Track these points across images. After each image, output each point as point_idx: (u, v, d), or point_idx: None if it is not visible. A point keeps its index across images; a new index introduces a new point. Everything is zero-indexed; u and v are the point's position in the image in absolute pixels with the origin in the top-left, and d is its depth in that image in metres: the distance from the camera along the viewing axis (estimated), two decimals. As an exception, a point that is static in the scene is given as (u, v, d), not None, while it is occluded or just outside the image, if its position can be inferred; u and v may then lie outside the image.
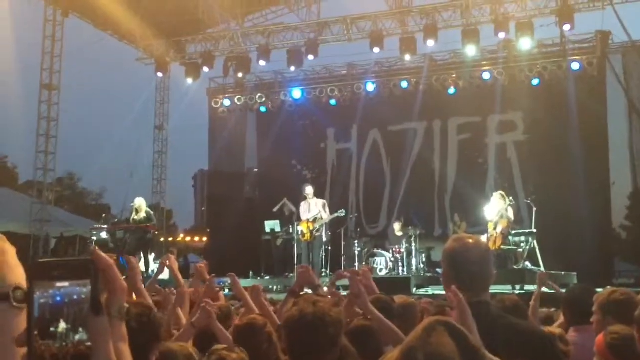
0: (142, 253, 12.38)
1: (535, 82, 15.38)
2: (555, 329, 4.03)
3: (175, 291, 4.40)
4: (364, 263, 13.21)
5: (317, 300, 2.57)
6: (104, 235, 13.38)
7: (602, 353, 3.00)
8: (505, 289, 10.29)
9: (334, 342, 2.51)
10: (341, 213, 12.64)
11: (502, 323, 2.33)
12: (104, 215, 14.82)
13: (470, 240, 2.50)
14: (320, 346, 2.46)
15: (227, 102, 18.03)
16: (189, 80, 17.58)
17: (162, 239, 20.06)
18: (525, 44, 14.79)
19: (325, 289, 4.25)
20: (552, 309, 5.56)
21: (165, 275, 9.52)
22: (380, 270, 13.05)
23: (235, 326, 3.34)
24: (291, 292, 3.90)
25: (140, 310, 2.47)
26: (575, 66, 15.00)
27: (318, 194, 13.36)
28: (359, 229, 15.17)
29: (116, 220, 14.57)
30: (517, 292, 10.10)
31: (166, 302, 4.38)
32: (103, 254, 1.22)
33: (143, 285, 4.17)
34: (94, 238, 13.37)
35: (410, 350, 1.34)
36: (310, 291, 3.81)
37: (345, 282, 3.91)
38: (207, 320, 3.50)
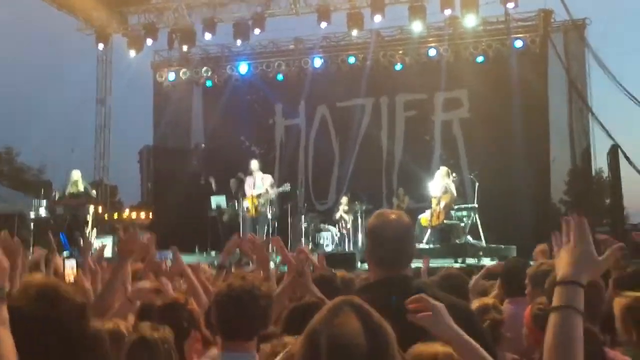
0: (79, 229, 12.08)
1: (479, 59, 15.62)
2: (489, 299, 4.13)
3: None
4: (310, 238, 13.27)
5: (245, 275, 2.56)
6: (42, 212, 12.98)
7: (528, 323, 3.08)
8: (448, 262, 10.51)
9: (264, 315, 2.50)
10: (286, 187, 12.61)
11: None
12: (43, 190, 14.33)
13: (392, 216, 2.50)
14: (249, 318, 2.45)
15: (172, 76, 17.65)
16: (132, 53, 17.10)
17: (106, 216, 19.62)
18: (470, 21, 14.95)
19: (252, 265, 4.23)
20: (489, 282, 5.70)
21: (108, 253, 9.34)
22: (327, 245, 13.14)
23: (157, 305, 3.29)
24: (219, 266, 3.90)
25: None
26: (519, 44, 15.28)
27: (267, 170, 13.30)
28: (306, 205, 15.18)
29: (56, 196, 14.16)
30: (458, 265, 10.35)
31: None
32: None
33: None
34: (32, 215, 12.95)
35: (314, 333, 1.32)
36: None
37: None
38: (143, 293, 3.43)
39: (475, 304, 3.75)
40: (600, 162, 16.69)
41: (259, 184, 12.07)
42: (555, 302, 1.69)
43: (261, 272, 3.91)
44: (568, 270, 1.69)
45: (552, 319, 1.67)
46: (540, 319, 2.95)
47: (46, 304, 1.86)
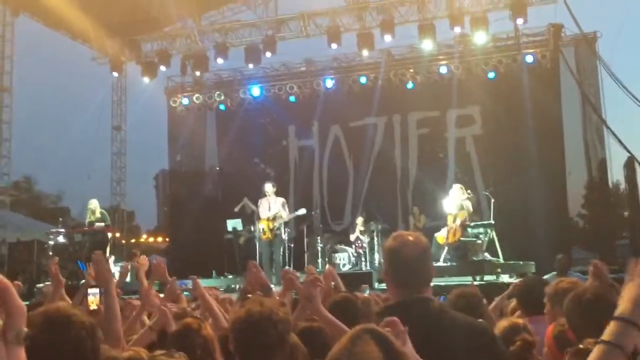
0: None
1: (491, 75, 15.61)
2: (518, 319, 4.07)
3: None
4: (326, 259, 13.25)
5: (263, 301, 2.57)
6: (61, 239, 13.09)
7: (549, 343, 3.04)
8: (465, 280, 10.43)
9: (282, 340, 2.50)
10: (301, 211, 12.61)
11: (442, 319, 2.34)
12: (61, 218, 14.47)
13: (410, 238, 2.51)
14: (268, 345, 2.46)
15: (185, 101, 17.82)
16: (146, 80, 17.33)
17: (123, 241, 19.77)
18: (480, 38, 14.99)
19: (277, 289, 4.23)
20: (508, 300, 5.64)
21: (128, 277, 9.36)
22: (344, 265, 13.10)
23: (171, 331, 3.31)
24: (242, 292, 3.88)
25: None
26: (529, 59, 15.25)
27: (281, 192, 13.31)
28: (321, 225, 15.18)
29: (74, 223, 14.29)
30: (476, 282, 10.26)
31: (126, 311, 4.29)
32: None
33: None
34: (51, 242, 13.06)
35: None
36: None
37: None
38: (164, 322, 3.46)
39: (503, 323, 3.68)
40: (616, 174, 16.57)
41: (274, 207, 12.09)
42: (605, 335, 1.63)
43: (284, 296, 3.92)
44: (629, 307, 1.63)
45: (595, 351, 1.62)
46: (562, 340, 2.92)
47: (54, 330, 1.87)
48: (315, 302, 3.07)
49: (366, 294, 6.50)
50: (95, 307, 3.65)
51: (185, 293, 5.17)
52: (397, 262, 2.49)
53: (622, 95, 14.37)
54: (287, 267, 10.96)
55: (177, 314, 3.93)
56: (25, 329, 1.34)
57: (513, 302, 4.73)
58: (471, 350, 2.13)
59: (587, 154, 15.75)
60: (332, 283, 5.00)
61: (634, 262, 1.72)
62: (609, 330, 1.63)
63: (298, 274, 4.43)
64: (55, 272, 4.25)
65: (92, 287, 3.92)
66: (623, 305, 1.65)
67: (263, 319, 2.47)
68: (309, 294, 3.03)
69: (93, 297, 3.78)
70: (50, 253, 12.75)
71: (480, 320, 3.25)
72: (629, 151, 14.06)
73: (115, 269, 12.39)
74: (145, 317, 4.17)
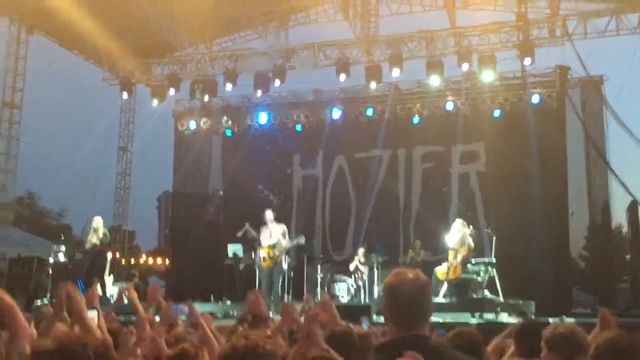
0: (98, 276, 12.15)
1: (496, 113, 15.72)
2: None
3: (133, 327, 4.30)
4: (325, 289, 13.20)
5: (249, 335, 2.58)
6: (61, 257, 13.09)
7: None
8: (465, 317, 10.39)
9: None
10: (301, 240, 12.61)
11: (438, 356, 2.34)
12: (62, 236, 14.48)
13: (410, 275, 2.53)
14: None
15: (192, 125, 17.94)
16: (155, 102, 17.49)
17: (123, 261, 19.73)
18: (487, 76, 15.13)
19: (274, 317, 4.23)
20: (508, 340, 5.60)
21: (125, 300, 9.34)
22: (342, 297, 13.05)
23: (167, 356, 3.31)
24: (241, 319, 3.88)
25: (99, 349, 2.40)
26: (536, 99, 15.37)
27: (284, 220, 13.32)
28: (322, 255, 15.14)
29: (76, 241, 14.29)
30: (475, 320, 10.21)
31: (123, 341, 4.29)
32: (4, 295, 1.18)
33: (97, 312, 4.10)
34: (51, 260, 13.06)
35: None
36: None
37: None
38: (156, 350, 3.46)
39: None
40: (619, 217, 16.59)
41: (275, 234, 12.09)
42: None
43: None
44: None
45: None
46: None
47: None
48: (317, 340, 3.08)
49: (365, 326, 6.47)
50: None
51: (183, 318, 5.16)
52: (396, 298, 2.50)
53: (627, 139, 14.47)
54: (286, 301, 10.93)
55: (176, 337, 3.94)
56: (28, 350, 1.36)
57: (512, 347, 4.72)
58: None
59: (590, 195, 15.76)
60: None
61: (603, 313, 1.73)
62: None
63: (297, 306, 4.44)
64: (63, 300, 4.14)
65: (90, 309, 3.92)
66: None
67: (249, 353, 2.47)
68: (310, 331, 3.04)
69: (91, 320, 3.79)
70: (50, 271, 12.74)
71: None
72: (632, 195, 14.10)
73: (114, 290, 12.38)
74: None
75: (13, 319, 1.30)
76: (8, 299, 1.36)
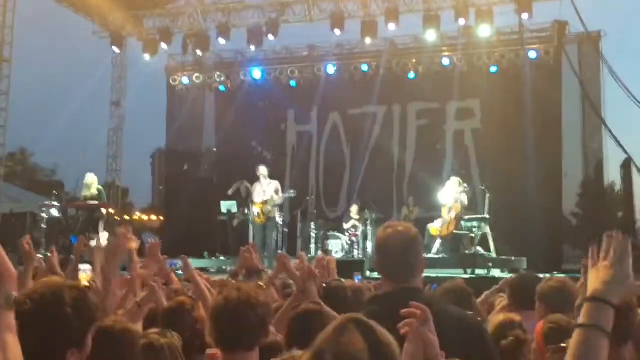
0: (92, 231, 12.15)
1: (493, 69, 15.58)
2: (515, 315, 4.07)
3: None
4: (319, 245, 13.27)
5: (240, 286, 2.57)
6: (55, 212, 13.03)
7: (538, 340, 3.05)
8: (457, 272, 10.48)
9: (263, 323, 2.51)
10: (291, 193, 12.62)
11: (432, 310, 2.35)
12: (55, 192, 14.40)
13: (399, 228, 2.51)
14: (248, 329, 2.46)
15: (185, 80, 17.72)
16: (147, 56, 17.20)
17: (117, 218, 19.72)
18: (484, 31, 14.93)
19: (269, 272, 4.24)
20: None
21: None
22: (336, 252, 13.11)
23: (163, 308, 3.31)
24: (233, 274, 3.89)
25: (75, 295, 2.41)
26: (533, 55, 15.21)
27: (278, 176, 13.29)
28: (316, 211, 15.18)
29: (68, 197, 14.24)
30: (467, 276, 10.30)
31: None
32: None
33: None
34: (45, 215, 13.01)
35: (320, 352, 1.33)
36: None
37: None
38: (152, 299, 3.45)
39: (499, 317, 3.69)
40: (613, 175, 16.61)
41: (268, 190, 12.07)
42: (581, 319, 1.62)
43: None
44: (600, 288, 1.62)
45: (575, 336, 1.60)
46: (551, 338, 2.93)
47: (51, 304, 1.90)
48: (312, 296, 3.09)
49: (357, 281, 6.52)
50: (87, 284, 3.64)
51: (179, 272, 5.17)
52: (384, 252, 2.50)
53: (623, 96, 14.34)
54: (280, 251, 10.99)
55: (173, 291, 3.94)
56: (15, 293, 1.34)
57: (504, 300, 4.74)
58: (461, 343, 2.13)
59: (584, 152, 15.78)
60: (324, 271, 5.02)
61: (593, 249, 1.71)
62: (585, 313, 1.61)
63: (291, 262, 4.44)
64: (28, 250, 4.01)
65: (84, 263, 3.91)
66: (595, 286, 1.64)
67: (241, 304, 2.46)
68: (305, 288, 3.05)
69: (84, 274, 3.78)
70: (44, 226, 12.71)
71: (471, 313, 3.26)
72: (626, 152, 14.09)
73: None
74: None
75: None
76: None
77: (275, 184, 12.29)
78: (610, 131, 14.76)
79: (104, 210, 13.02)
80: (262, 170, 12.22)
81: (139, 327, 3.08)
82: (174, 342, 2.68)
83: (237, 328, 2.46)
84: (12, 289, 1.27)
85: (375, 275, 10.73)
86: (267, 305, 2.56)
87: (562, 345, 2.44)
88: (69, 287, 2.14)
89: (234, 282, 4.57)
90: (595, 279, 1.66)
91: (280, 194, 12.24)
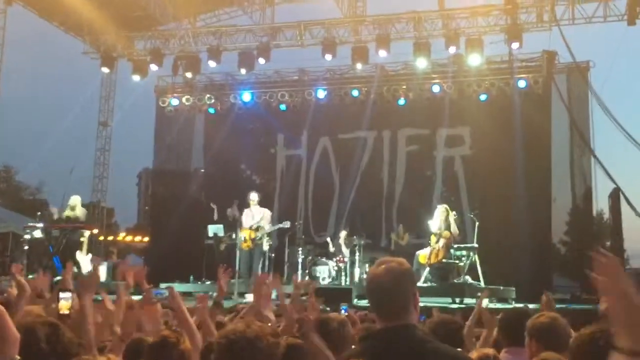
0: (75, 253, 11.99)
1: (483, 97, 15.64)
2: (489, 350, 4.01)
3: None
4: (306, 271, 13.12)
5: (251, 323, 2.45)
6: (38, 233, 12.83)
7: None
8: (446, 301, 10.39)
9: None
10: (285, 224, 12.48)
11: (423, 348, 2.28)
12: (39, 213, 14.19)
13: (392, 264, 2.43)
14: None
15: (175, 102, 17.64)
16: (136, 77, 17.13)
17: (101, 238, 19.49)
18: (474, 59, 15.02)
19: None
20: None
21: (102, 277, 9.17)
22: (323, 279, 12.98)
23: (147, 344, 3.19)
24: (215, 304, 3.81)
25: (47, 330, 2.32)
26: (522, 84, 15.31)
27: (267, 200, 13.20)
28: (304, 237, 15.04)
29: (52, 217, 14.03)
30: (456, 305, 10.20)
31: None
32: None
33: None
34: (28, 236, 12.80)
35: None
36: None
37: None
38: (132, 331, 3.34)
39: (474, 354, 3.64)
40: (601, 203, 16.67)
41: (257, 217, 11.95)
42: None
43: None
44: (626, 336, 1.51)
45: None
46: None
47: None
48: (309, 337, 3.01)
49: (344, 312, 6.39)
50: (67, 312, 3.52)
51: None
52: (373, 289, 2.45)
53: (611, 126, 14.46)
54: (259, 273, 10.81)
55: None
56: (18, 357, 1.28)
57: (484, 332, 4.68)
58: None
59: (573, 181, 15.82)
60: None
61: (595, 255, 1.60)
62: None
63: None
64: (20, 280, 3.87)
65: (64, 291, 3.77)
66: (620, 333, 1.54)
67: (249, 341, 2.35)
68: (305, 332, 2.97)
69: (65, 302, 3.65)
70: (26, 247, 12.51)
71: (460, 350, 3.17)
72: (614, 182, 14.12)
73: (90, 268, 12.18)
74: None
75: (3, 325, 1.21)
76: None
77: (267, 212, 12.19)
78: (598, 160, 14.83)
79: (87, 232, 12.83)
80: (253, 196, 12.13)
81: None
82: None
83: None
84: (15, 352, 1.19)
85: (363, 303, 10.61)
86: (271, 353, 2.42)
87: None
88: (41, 323, 2.05)
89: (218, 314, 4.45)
90: (618, 322, 1.54)
91: (270, 222, 12.13)
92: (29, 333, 1.91)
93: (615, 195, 14.18)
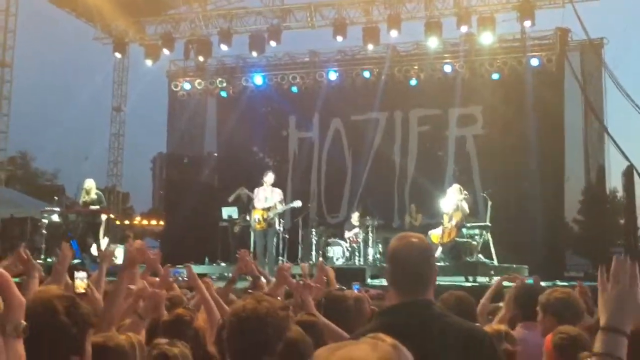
0: (92, 237, 12.13)
1: (495, 76, 15.54)
2: (501, 326, 4.06)
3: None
4: (320, 252, 13.22)
5: (262, 298, 2.51)
6: (55, 217, 13.01)
7: (549, 352, 3.03)
8: (458, 280, 10.43)
9: (271, 342, 2.45)
10: (297, 203, 12.53)
11: (442, 322, 2.31)
12: (56, 197, 14.37)
13: (413, 239, 2.47)
14: (257, 344, 2.41)
15: (187, 86, 17.72)
16: (148, 62, 17.21)
17: (117, 222, 19.71)
18: (486, 38, 14.91)
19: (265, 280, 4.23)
20: (499, 304, 5.61)
21: (119, 260, 9.33)
22: (337, 259, 13.07)
23: (162, 321, 3.28)
24: (230, 281, 3.89)
25: (66, 303, 2.40)
26: (535, 62, 15.19)
27: (279, 182, 13.21)
28: (317, 218, 15.13)
29: (69, 202, 14.22)
30: (469, 284, 10.25)
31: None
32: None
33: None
34: (45, 220, 12.98)
35: None
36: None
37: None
38: (154, 310, 3.42)
39: (487, 330, 3.67)
40: (614, 182, 16.58)
41: (270, 198, 12.01)
42: (596, 348, 1.68)
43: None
44: (613, 317, 1.68)
45: None
46: (563, 348, 2.91)
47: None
48: (309, 308, 3.06)
49: (356, 290, 6.48)
50: (83, 291, 3.61)
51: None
52: (398, 263, 2.47)
53: (625, 104, 14.34)
54: (282, 262, 10.93)
55: (169, 302, 3.90)
56: (24, 322, 1.33)
57: (502, 310, 4.71)
58: (471, 354, 2.14)
59: (586, 159, 15.74)
60: (325, 278, 5.00)
61: (616, 264, 1.73)
62: (600, 342, 1.66)
63: (291, 266, 4.44)
64: (27, 259, 3.88)
65: (79, 270, 3.86)
66: (606, 314, 1.69)
67: (260, 317, 2.41)
68: (302, 301, 3.03)
69: (80, 281, 3.73)
70: (44, 231, 12.69)
71: (478, 325, 3.23)
72: (628, 159, 14.04)
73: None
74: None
75: (7, 292, 1.27)
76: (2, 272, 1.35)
77: (279, 193, 12.23)
78: (612, 138, 14.75)
79: (104, 216, 12.99)
80: (269, 177, 12.10)
81: (141, 338, 3.04)
82: (186, 352, 2.65)
83: (246, 341, 2.40)
84: (20, 317, 1.25)
85: (376, 282, 10.69)
86: (281, 325, 2.49)
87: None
88: (57, 296, 2.13)
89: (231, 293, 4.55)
90: (607, 306, 1.70)
91: (283, 203, 12.18)
92: (48, 307, 1.98)
93: (629, 173, 14.11)
